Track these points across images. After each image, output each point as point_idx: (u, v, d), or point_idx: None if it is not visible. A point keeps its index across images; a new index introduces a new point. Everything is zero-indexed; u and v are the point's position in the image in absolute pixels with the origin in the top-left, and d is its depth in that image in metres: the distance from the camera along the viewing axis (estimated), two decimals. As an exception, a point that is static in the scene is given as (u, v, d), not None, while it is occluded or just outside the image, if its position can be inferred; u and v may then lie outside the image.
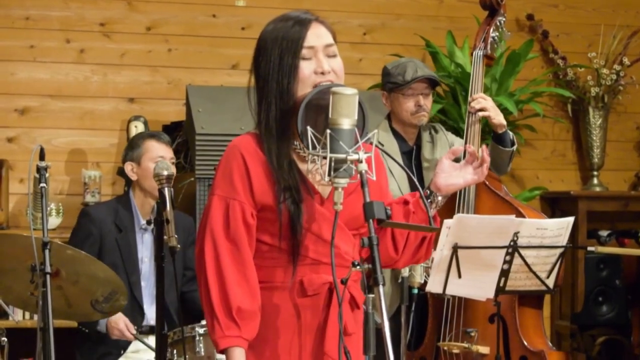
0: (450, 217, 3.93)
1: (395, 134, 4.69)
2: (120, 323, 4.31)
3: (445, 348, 4.45)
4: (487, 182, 4.55)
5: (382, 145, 4.59)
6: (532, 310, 4.50)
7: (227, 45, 5.88)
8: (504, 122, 4.55)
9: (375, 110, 4.74)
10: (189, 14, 5.87)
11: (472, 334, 4.41)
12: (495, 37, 4.69)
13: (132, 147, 4.62)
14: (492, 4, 4.71)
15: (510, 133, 4.61)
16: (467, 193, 4.53)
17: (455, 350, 4.41)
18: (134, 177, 4.57)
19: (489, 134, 4.76)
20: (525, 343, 4.40)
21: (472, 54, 4.71)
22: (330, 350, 2.68)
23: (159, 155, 4.50)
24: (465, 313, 4.48)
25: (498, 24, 4.69)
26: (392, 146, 4.63)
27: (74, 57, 5.72)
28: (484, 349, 4.37)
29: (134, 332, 4.32)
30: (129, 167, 4.57)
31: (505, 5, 4.73)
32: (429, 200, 2.76)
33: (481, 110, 4.53)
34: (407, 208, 2.77)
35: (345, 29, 6.06)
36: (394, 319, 4.32)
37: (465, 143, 4.56)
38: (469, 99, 4.59)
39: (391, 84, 4.64)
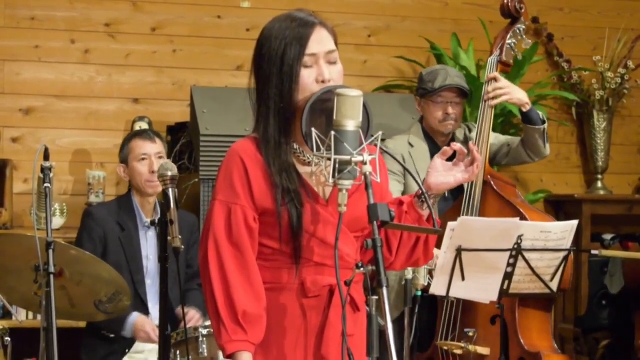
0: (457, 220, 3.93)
1: (427, 136, 4.75)
2: (146, 326, 4.33)
3: (446, 348, 4.44)
4: (494, 185, 4.55)
5: (412, 146, 4.66)
6: (537, 312, 4.49)
7: (232, 47, 5.88)
8: (526, 100, 4.62)
9: (378, 114, 4.75)
10: (194, 15, 5.87)
11: (471, 334, 4.41)
12: (512, 44, 4.71)
13: (121, 150, 4.69)
14: (510, 11, 4.72)
15: (540, 112, 4.65)
16: (473, 196, 4.54)
17: (457, 351, 4.41)
18: (126, 179, 4.65)
19: (507, 132, 4.79)
20: (524, 344, 4.39)
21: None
22: (327, 352, 2.69)
23: (142, 153, 4.55)
24: (468, 314, 4.48)
25: (517, 31, 4.72)
26: (421, 148, 4.69)
27: (79, 58, 5.73)
28: (484, 350, 4.36)
29: None
30: (121, 170, 4.65)
31: (527, 12, 4.73)
32: (421, 200, 2.75)
33: (496, 97, 4.58)
34: (401, 209, 2.76)
35: (350, 30, 6.06)
36: (397, 321, 4.33)
37: (477, 132, 4.60)
38: (484, 84, 4.63)
39: (422, 90, 4.74)
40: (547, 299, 4.45)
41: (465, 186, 4.54)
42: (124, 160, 4.61)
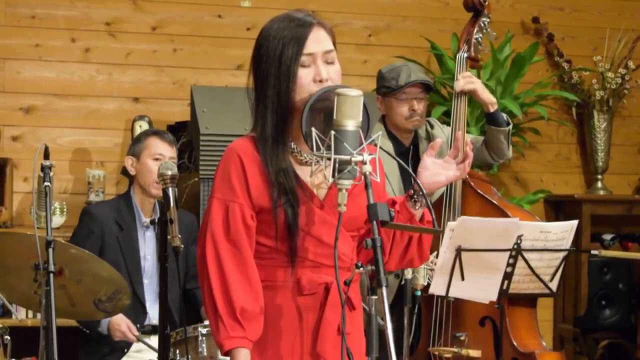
0: (438, 221, 3.92)
1: (390, 135, 4.69)
2: (122, 325, 4.30)
3: (437, 353, 4.43)
4: (473, 185, 4.52)
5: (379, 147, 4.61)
6: (524, 310, 4.47)
7: (232, 46, 5.88)
8: (493, 100, 4.58)
9: (378, 114, 4.75)
10: (194, 14, 5.87)
11: (462, 338, 4.39)
12: (479, 39, 4.69)
13: (135, 142, 4.65)
14: (474, 5, 4.70)
15: (503, 114, 4.63)
16: (454, 197, 4.51)
17: (447, 355, 4.39)
18: (132, 172, 4.58)
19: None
20: (516, 345, 4.38)
21: (455, 57, 4.72)
22: (322, 350, 2.69)
23: (158, 153, 4.52)
24: (456, 317, 4.46)
25: (482, 25, 4.69)
26: (387, 148, 4.64)
27: (80, 57, 5.73)
28: (475, 353, 4.34)
29: (137, 333, 4.32)
30: (129, 162, 4.59)
31: (490, 6, 4.72)
32: (413, 200, 2.75)
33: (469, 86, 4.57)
34: (394, 209, 2.76)
35: (351, 30, 6.07)
36: (394, 320, 4.31)
37: (452, 129, 4.57)
38: (455, 82, 4.60)
39: (385, 88, 4.66)
40: (531, 297, 4.45)
41: (446, 186, 4.51)
42: (136, 153, 4.57)
